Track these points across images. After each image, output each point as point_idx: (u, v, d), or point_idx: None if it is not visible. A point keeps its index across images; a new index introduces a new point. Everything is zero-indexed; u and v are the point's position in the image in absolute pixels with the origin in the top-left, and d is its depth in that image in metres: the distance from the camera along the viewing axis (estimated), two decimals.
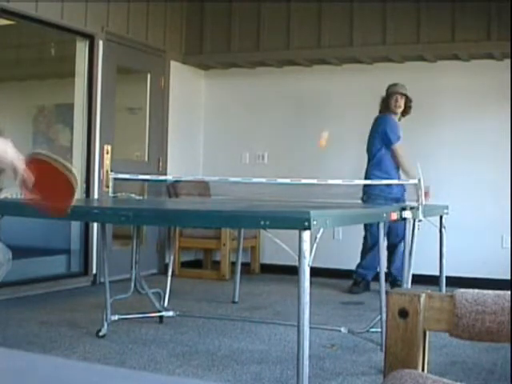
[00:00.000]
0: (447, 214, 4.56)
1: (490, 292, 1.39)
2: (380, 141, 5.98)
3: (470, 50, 6.40)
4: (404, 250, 4.28)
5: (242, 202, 4.47)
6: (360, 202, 5.85)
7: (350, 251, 6.37)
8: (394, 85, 6.06)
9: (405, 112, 6.09)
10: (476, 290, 1.40)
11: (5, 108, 8.14)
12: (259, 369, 3.64)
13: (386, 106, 6.06)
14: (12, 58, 8.22)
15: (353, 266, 6.28)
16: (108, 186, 4.64)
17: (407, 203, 4.51)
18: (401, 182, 5.46)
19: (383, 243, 4.33)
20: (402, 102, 6.02)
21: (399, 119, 6.09)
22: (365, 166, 6.13)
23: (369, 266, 6.12)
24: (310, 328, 2.96)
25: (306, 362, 2.86)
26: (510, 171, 6.38)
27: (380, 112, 6.10)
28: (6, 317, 4.66)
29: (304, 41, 6.92)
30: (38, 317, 4.77)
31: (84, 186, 6.23)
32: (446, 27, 6.39)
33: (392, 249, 6.08)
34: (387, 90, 6.06)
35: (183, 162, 7.37)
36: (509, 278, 5.78)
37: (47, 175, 2.04)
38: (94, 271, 6.27)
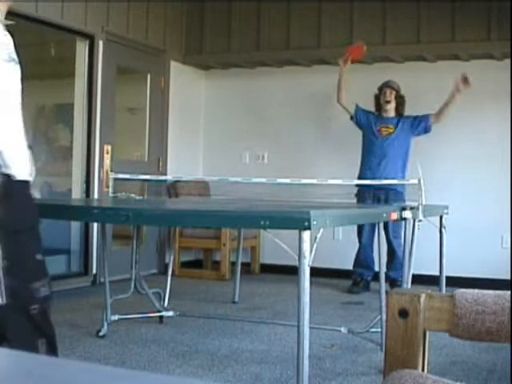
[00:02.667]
0: (447, 214, 4.55)
1: (490, 292, 1.39)
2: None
3: (470, 50, 6.40)
4: (404, 250, 4.28)
5: (242, 202, 4.47)
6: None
7: (350, 251, 6.36)
8: (386, 81, 6.17)
9: (397, 110, 6.13)
10: (476, 290, 1.40)
11: None
12: (259, 369, 3.64)
13: (377, 102, 6.19)
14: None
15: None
16: (108, 186, 4.64)
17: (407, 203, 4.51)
18: (401, 182, 5.45)
19: (383, 243, 4.32)
20: (391, 97, 6.08)
21: (398, 116, 6.12)
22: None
23: (362, 264, 6.18)
24: (310, 328, 2.96)
25: (306, 362, 2.86)
26: (509, 171, 6.38)
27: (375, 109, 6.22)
28: None
29: (304, 41, 6.92)
30: None
31: (84, 186, 6.23)
32: (445, 27, 6.39)
33: (391, 254, 6.06)
34: (378, 87, 6.18)
35: (183, 162, 7.37)
36: (509, 277, 5.77)
37: None
38: (94, 271, 6.27)
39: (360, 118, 6.23)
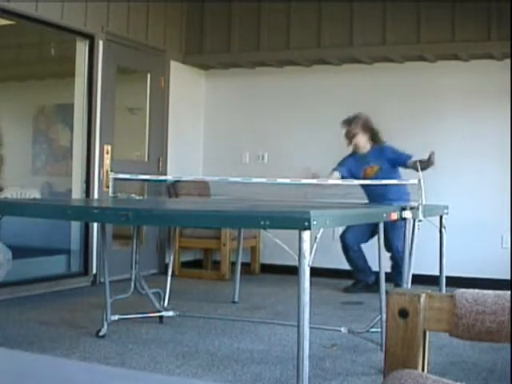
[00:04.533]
0: (447, 214, 4.55)
1: (490, 292, 1.39)
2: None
3: (470, 50, 6.40)
4: (404, 250, 4.28)
5: (242, 202, 4.47)
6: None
7: None
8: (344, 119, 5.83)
9: (372, 140, 5.85)
10: (476, 290, 1.40)
11: (5, 108, 8.14)
12: (259, 369, 3.64)
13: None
14: (12, 57, 8.22)
15: None
16: (108, 186, 4.64)
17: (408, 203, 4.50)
18: (401, 182, 5.45)
19: (382, 243, 4.32)
20: (349, 136, 5.79)
21: (376, 146, 5.86)
22: None
23: (357, 268, 6.13)
24: (310, 328, 2.96)
25: (306, 362, 2.86)
26: (510, 171, 6.38)
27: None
28: (6, 317, 4.66)
29: (304, 41, 6.92)
30: (38, 317, 4.77)
31: (84, 185, 6.23)
32: (445, 27, 6.39)
33: (392, 259, 5.97)
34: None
35: (183, 162, 7.37)
36: (509, 277, 5.77)
37: None
38: (94, 271, 6.27)
39: (348, 172, 5.83)
